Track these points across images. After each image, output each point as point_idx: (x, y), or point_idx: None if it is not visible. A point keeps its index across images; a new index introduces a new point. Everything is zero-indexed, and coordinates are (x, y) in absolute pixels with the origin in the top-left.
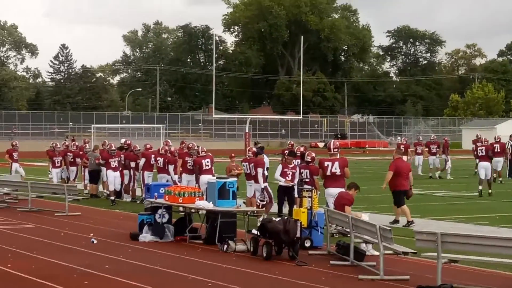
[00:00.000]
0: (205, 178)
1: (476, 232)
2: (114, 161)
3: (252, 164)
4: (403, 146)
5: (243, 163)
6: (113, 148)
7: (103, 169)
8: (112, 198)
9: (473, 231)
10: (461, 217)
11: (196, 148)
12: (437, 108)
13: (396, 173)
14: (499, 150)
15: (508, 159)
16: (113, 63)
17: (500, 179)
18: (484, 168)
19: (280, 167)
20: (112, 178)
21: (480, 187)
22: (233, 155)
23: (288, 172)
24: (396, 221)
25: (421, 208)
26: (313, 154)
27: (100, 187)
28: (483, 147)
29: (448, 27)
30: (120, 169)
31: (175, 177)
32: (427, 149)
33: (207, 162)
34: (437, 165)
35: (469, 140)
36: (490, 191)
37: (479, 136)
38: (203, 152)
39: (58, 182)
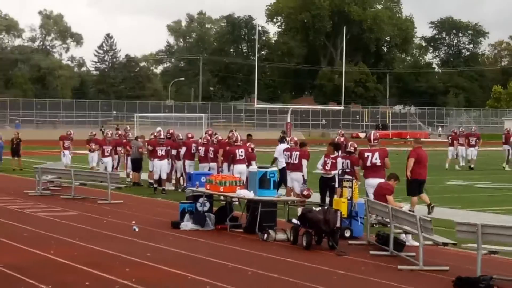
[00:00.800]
0: (238, 168)
1: None
2: (162, 149)
3: (297, 153)
4: (451, 137)
5: (285, 153)
6: (162, 136)
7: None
8: (155, 186)
9: None
10: (502, 209)
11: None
12: (479, 99)
13: (416, 161)
14: None
15: None
16: (156, 52)
17: None
18: None
19: (322, 158)
20: (158, 167)
21: None
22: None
23: (328, 162)
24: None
25: (462, 199)
26: (355, 145)
27: (143, 175)
28: None
29: (492, 19)
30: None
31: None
32: (467, 140)
33: (241, 152)
34: (473, 157)
35: None
36: None
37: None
38: (241, 142)
39: (105, 170)
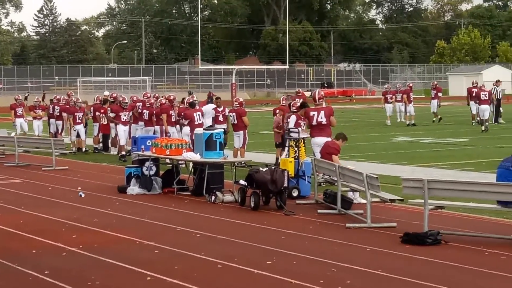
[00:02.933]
0: (186, 130)
1: (462, 178)
2: (125, 114)
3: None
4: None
5: (230, 114)
6: (126, 101)
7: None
8: (123, 153)
9: (459, 177)
10: (447, 164)
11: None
12: (423, 55)
13: None
14: (486, 98)
15: (494, 105)
16: (98, 15)
17: (483, 127)
18: (484, 110)
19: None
20: (123, 133)
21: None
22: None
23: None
24: None
25: (408, 156)
26: (298, 104)
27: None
28: (486, 92)
29: None
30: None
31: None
32: (405, 96)
33: (199, 115)
34: (412, 113)
35: (456, 87)
36: (483, 128)
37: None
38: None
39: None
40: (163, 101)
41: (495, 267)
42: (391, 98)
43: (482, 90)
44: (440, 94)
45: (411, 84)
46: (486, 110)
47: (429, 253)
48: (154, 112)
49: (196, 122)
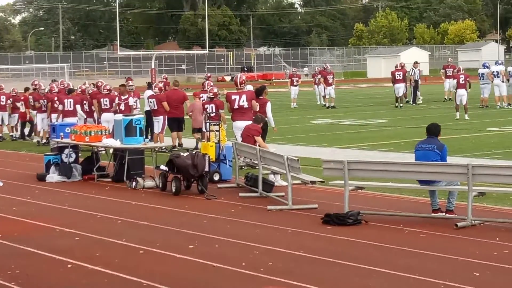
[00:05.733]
0: (105, 117)
1: (382, 159)
2: (43, 102)
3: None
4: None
5: (150, 100)
6: (43, 88)
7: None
8: (44, 141)
9: (379, 158)
10: (367, 145)
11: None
12: (342, 38)
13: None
14: (400, 77)
15: (412, 86)
16: (14, 2)
17: (401, 104)
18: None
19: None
20: (40, 121)
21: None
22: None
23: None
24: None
25: (328, 138)
26: (216, 90)
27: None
28: (401, 72)
29: None
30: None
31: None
32: (323, 79)
33: (106, 101)
34: (332, 95)
35: (374, 69)
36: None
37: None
38: (105, 91)
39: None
40: (95, 89)
41: (415, 245)
42: (297, 81)
43: (397, 70)
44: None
45: (327, 67)
46: (400, 88)
47: (350, 233)
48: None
49: (66, 109)
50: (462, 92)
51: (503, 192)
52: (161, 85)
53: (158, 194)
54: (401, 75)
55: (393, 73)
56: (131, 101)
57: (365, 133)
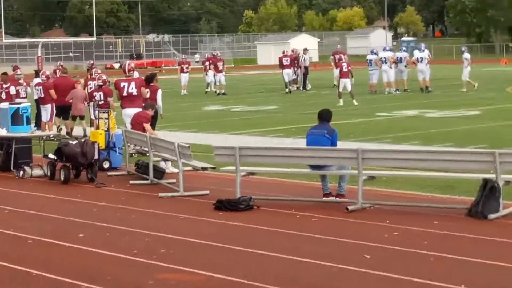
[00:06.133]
0: None
1: (273, 144)
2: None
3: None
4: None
5: (36, 87)
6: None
7: None
8: None
9: (270, 144)
10: (259, 131)
11: None
12: (232, 25)
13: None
14: (288, 63)
15: (302, 73)
16: None
17: (287, 89)
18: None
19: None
20: None
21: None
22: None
23: None
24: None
25: (219, 124)
26: (104, 77)
27: None
28: (289, 57)
29: None
30: None
31: None
32: (213, 66)
33: None
34: (223, 82)
35: (264, 55)
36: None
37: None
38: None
39: None
40: None
41: (307, 229)
42: (187, 68)
43: (285, 56)
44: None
45: (217, 54)
46: (287, 74)
47: (242, 218)
48: None
49: None
50: (345, 80)
51: (392, 176)
52: (48, 72)
53: (46, 183)
54: (288, 60)
55: (280, 59)
56: (12, 90)
57: (256, 120)
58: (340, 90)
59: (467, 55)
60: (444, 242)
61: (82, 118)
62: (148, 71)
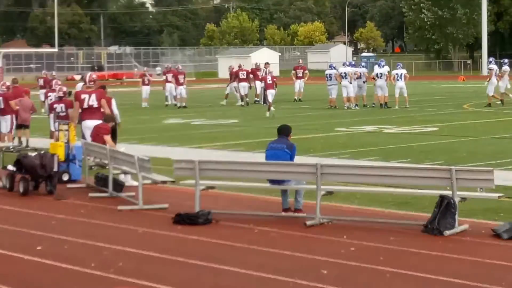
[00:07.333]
0: None
1: (233, 159)
2: None
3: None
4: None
5: None
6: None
7: None
8: None
9: (229, 158)
10: (219, 144)
11: None
12: (193, 38)
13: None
14: (244, 77)
15: (262, 87)
16: None
17: (242, 102)
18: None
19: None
20: None
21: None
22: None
23: None
24: None
25: (180, 137)
26: (65, 89)
27: None
28: (245, 71)
29: None
30: None
31: None
32: (174, 79)
33: None
34: (184, 95)
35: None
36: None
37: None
38: None
39: None
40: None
41: (265, 243)
42: (147, 80)
43: (241, 70)
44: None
45: (179, 67)
46: (243, 87)
47: (201, 232)
48: None
49: None
50: (271, 91)
51: (350, 191)
52: (8, 83)
53: (5, 195)
54: (245, 74)
55: (236, 73)
56: None
57: (216, 133)
58: (270, 100)
59: (492, 66)
60: (400, 258)
61: (26, 127)
62: (110, 83)
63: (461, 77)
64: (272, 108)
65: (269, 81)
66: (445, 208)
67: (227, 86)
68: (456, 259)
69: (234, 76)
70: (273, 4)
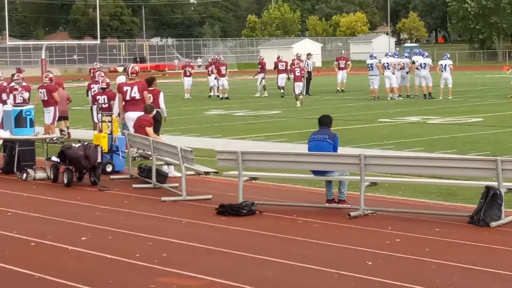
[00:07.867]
0: None
1: (276, 149)
2: None
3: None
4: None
5: (40, 90)
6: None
7: None
8: None
9: (272, 149)
10: (261, 136)
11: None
12: (235, 29)
13: None
14: (283, 68)
15: (305, 77)
16: None
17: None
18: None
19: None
20: None
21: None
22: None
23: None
24: None
25: (222, 128)
26: (107, 80)
27: None
28: (284, 62)
29: None
30: None
31: None
32: (216, 70)
33: None
34: (226, 86)
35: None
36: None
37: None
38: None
39: None
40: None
41: (308, 235)
42: (189, 72)
43: (280, 61)
44: None
45: (220, 58)
46: (282, 79)
47: (244, 223)
48: None
49: None
50: (299, 83)
51: (394, 182)
52: (51, 75)
53: (49, 186)
54: (284, 65)
55: (276, 64)
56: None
57: (259, 124)
58: (297, 92)
59: None
60: (446, 249)
61: (66, 118)
62: (153, 74)
63: (506, 67)
64: (300, 97)
65: (297, 73)
66: (491, 199)
67: (254, 76)
68: (503, 250)
69: (262, 67)
70: None
